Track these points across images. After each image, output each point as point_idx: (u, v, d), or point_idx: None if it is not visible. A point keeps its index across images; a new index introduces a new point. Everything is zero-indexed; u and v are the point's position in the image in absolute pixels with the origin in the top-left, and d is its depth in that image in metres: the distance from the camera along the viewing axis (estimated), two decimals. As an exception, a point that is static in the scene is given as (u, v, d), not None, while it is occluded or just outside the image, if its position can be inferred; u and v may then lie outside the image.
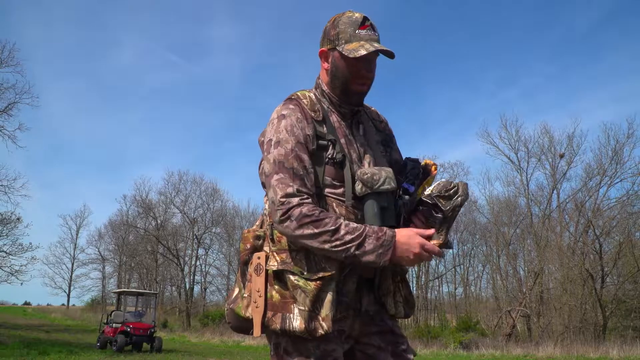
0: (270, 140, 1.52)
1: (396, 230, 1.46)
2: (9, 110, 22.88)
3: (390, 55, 1.58)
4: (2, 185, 22.84)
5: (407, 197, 1.61)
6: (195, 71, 65.55)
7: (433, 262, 33.03)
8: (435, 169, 1.68)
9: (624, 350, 15.79)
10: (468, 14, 52.45)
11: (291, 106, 1.58)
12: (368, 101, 1.78)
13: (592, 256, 21.81)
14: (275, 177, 1.45)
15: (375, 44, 1.56)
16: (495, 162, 58.34)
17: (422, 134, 53.37)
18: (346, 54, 1.56)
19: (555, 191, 25.78)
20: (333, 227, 1.39)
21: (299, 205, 1.41)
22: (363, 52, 1.53)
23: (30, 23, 62.45)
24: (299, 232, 1.39)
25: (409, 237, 1.44)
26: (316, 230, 1.39)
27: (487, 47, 51.99)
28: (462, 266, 35.77)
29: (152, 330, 15.48)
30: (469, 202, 30.26)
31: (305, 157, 1.49)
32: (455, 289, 36.86)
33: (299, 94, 1.65)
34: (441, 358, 15.86)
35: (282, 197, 1.42)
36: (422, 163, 1.70)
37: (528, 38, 48.29)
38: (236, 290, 1.63)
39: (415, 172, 1.64)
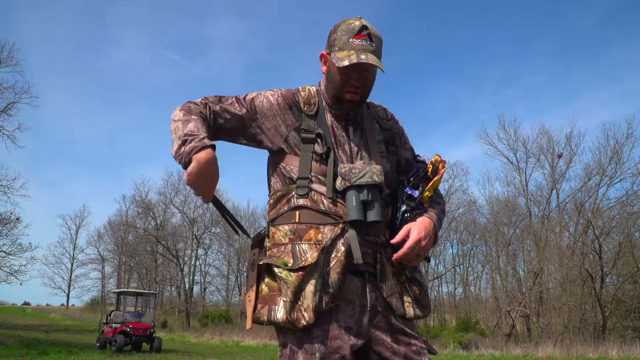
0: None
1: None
2: (8, 110, 22.91)
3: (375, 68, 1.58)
4: (1, 185, 22.84)
5: (411, 202, 1.58)
6: (195, 70, 65.68)
7: (433, 262, 33.05)
8: (443, 166, 1.61)
9: (623, 350, 15.81)
10: (468, 13, 52.52)
11: (281, 90, 1.68)
12: (371, 99, 1.76)
13: (591, 256, 21.82)
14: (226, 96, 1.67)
15: (364, 56, 1.53)
16: (495, 162, 58.36)
17: (422, 134, 53.35)
18: (334, 62, 1.58)
19: (554, 191, 25.85)
20: (185, 118, 1.54)
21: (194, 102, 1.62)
22: (346, 62, 1.53)
23: (30, 23, 62.50)
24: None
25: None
26: (177, 112, 1.58)
27: (487, 46, 52.14)
28: (461, 266, 35.83)
29: (152, 330, 15.45)
30: (469, 202, 30.31)
31: (237, 106, 1.63)
32: (455, 289, 36.93)
33: (300, 87, 1.72)
34: (441, 358, 15.85)
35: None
36: (432, 160, 1.63)
37: (529, 37, 48.39)
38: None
39: (420, 176, 1.60)
